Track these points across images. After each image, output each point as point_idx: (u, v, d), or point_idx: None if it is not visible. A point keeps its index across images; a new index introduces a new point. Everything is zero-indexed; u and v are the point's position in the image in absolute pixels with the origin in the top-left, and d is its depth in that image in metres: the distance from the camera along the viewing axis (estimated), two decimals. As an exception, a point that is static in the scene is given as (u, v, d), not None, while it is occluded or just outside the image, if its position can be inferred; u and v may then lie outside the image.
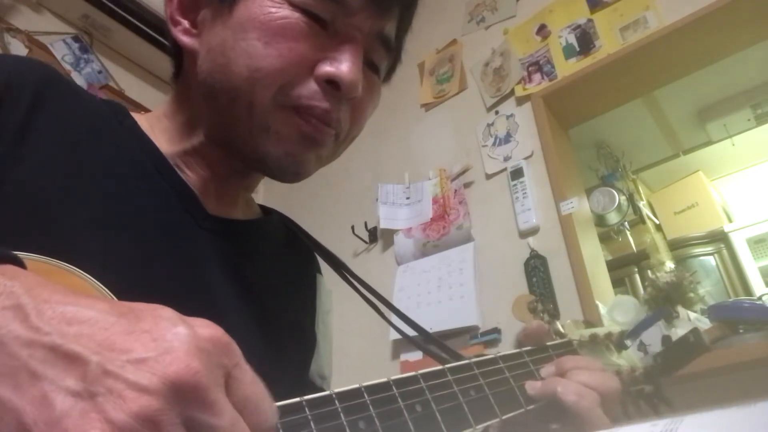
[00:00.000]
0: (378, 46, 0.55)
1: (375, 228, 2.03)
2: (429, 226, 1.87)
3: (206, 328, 0.26)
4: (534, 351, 0.56)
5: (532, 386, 0.51)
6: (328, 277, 0.71)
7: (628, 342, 0.66)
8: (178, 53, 0.57)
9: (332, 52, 0.50)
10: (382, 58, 0.56)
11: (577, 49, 1.76)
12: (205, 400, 0.24)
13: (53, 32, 1.88)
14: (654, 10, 1.64)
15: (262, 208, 0.70)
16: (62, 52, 1.87)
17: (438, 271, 1.76)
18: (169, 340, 0.25)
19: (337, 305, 0.74)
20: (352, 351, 1.76)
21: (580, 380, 0.50)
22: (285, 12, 0.49)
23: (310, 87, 0.50)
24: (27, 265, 0.30)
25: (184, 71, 0.57)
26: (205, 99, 0.53)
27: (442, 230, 1.83)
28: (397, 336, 1.68)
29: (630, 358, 0.66)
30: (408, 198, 1.99)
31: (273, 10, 0.49)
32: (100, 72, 1.97)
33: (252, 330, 0.53)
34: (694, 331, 0.61)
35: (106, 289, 0.35)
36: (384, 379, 0.40)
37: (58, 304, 0.25)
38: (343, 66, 0.50)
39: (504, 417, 0.47)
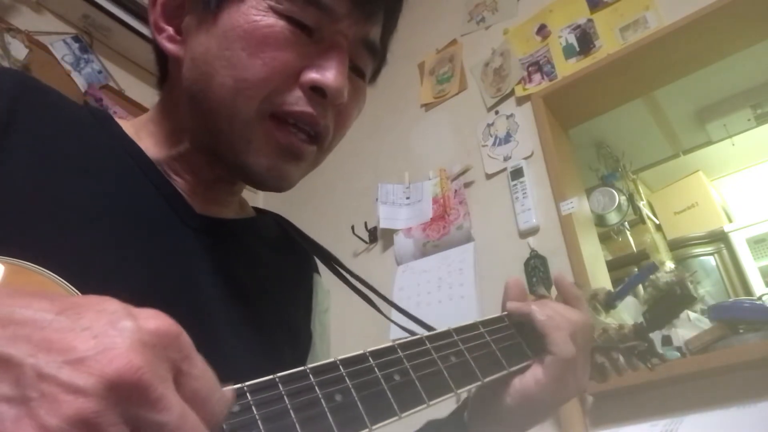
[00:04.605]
0: (363, 51, 0.55)
1: (375, 228, 2.03)
2: (429, 226, 1.86)
3: (152, 320, 0.25)
4: (514, 315, 0.57)
5: (511, 303, 0.57)
6: (326, 277, 0.71)
7: (616, 302, 0.66)
8: (163, 59, 0.57)
9: (318, 60, 0.50)
10: (367, 63, 0.56)
11: (577, 49, 1.76)
12: (149, 397, 0.23)
13: (53, 32, 1.88)
14: (654, 10, 1.64)
15: (257, 210, 0.69)
16: (62, 52, 1.86)
17: (438, 271, 1.76)
18: (111, 336, 0.24)
19: (334, 305, 0.73)
20: (351, 351, 1.76)
21: (554, 307, 0.57)
22: (269, 20, 0.49)
23: (296, 94, 0.50)
24: None
25: (170, 77, 0.57)
26: (189, 106, 0.53)
27: (442, 230, 1.82)
28: (398, 336, 1.69)
29: (618, 317, 0.65)
30: (408, 198, 1.99)
31: (257, 18, 0.48)
32: (100, 72, 1.97)
33: (239, 327, 0.53)
34: (681, 282, 0.61)
35: (73, 287, 0.34)
36: (360, 351, 0.39)
37: None
38: (328, 73, 0.50)
39: (486, 380, 0.47)
